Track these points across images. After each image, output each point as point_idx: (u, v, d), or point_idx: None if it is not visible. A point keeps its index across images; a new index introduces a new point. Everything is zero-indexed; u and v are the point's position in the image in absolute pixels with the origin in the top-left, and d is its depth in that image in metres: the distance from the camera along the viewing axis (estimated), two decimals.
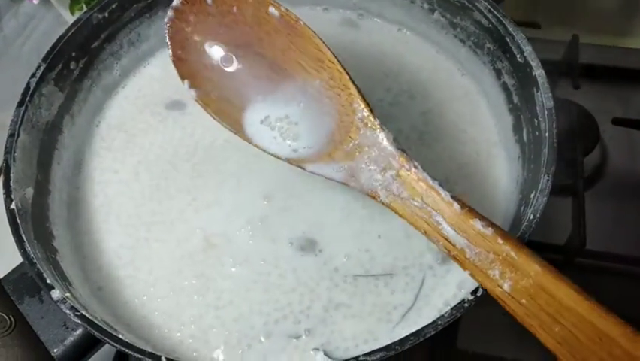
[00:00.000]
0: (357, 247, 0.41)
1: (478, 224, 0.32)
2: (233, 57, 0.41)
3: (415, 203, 0.34)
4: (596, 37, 0.68)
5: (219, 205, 0.44)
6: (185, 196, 0.45)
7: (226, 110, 0.41)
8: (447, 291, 0.40)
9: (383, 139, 0.35)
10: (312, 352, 0.38)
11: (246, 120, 0.41)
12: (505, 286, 0.31)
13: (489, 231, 0.31)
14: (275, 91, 0.40)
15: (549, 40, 0.70)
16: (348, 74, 0.38)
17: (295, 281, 0.41)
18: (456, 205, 0.32)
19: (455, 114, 0.48)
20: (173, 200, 0.45)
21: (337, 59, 0.38)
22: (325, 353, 0.38)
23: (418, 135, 0.47)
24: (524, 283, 0.30)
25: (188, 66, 0.41)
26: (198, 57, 0.41)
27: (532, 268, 0.30)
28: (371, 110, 0.36)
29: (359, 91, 0.37)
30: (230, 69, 0.41)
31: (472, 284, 0.35)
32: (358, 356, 0.31)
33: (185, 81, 0.40)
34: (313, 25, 0.53)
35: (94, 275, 0.42)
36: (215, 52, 0.41)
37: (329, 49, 0.38)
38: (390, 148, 0.35)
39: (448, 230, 0.32)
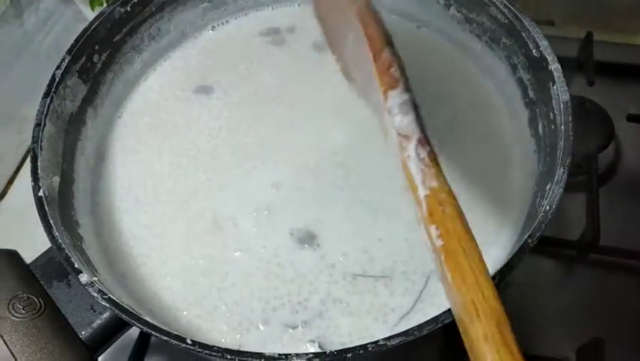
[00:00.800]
0: (355, 247, 0.42)
1: None
2: None
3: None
4: (610, 34, 0.68)
5: (230, 188, 0.46)
6: (200, 175, 0.46)
7: None
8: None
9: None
10: (307, 344, 0.39)
11: None
12: None
13: None
14: None
15: (563, 37, 0.70)
16: None
17: (293, 272, 0.42)
18: None
19: (475, 120, 0.48)
20: (188, 179, 0.46)
21: None
22: (320, 346, 0.38)
23: (437, 143, 0.47)
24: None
25: None
26: None
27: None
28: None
29: None
30: None
31: None
32: (378, 341, 0.31)
33: None
34: None
35: (117, 262, 0.43)
36: None
37: None
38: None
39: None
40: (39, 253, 0.57)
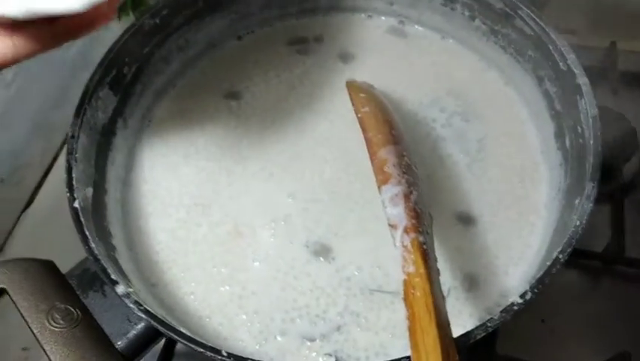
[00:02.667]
0: (370, 262, 0.43)
1: None
2: None
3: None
4: (633, 43, 0.68)
5: (249, 195, 0.46)
6: (223, 180, 0.47)
7: None
8: (472, 314, 0.40)
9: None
10: (325, 357, 0.39)
11: None
12: None
13: None
14: None
15: (587, 46, 0.70)
16: None
17: (310, 284, 0.42)
18: None
19: (503, 133, 0.48)
20: (211, 183, 0.47)
21: None
22: (337, 360, 0.39)
23: (469, 162, 0.47)
24: None
25: None
26: None
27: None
28: None
29: None
30: None
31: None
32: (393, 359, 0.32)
33: None
34: (361, 32, 0.55)
35: (146, 271, 0.44)
36: None
37: None
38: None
39: None
40: (66, 259, 0.59)
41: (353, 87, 0.46)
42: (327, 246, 0.43)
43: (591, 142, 0.39)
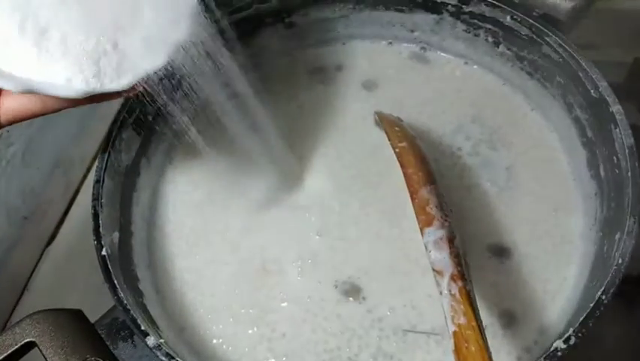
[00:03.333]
0: (403, 302, 0.42)
1: None
2: None
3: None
4: None
5: (276, 231, 0.46)
6: (250, 216, 0.46)
7: None
8: (510, 352, 0.39)
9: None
10: None
11: None
12: None
13: None
14: None
15: (610, 62, 0.69)
16: None
17: (341, 325, 0.41)
18: None
19: (533, 160, 0.47)
20: (238, 219, 0.46)
21: None
22: None
23: (497, 191, 0.46)
24: None
25: None
26: None
27: None
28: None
29: None
30: None
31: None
32: None
33: None
34: (382, 60, 0.54)
35: (175, 315, 0.43)
36: None
37: None
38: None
39: None
40: (90, 293, 0.59)
41: (385, 120, 0.45)
42: (357, 286, 0.42)
43: (629, 174, 0.38)
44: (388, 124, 0.44)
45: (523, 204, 0.45)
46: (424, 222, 0.35)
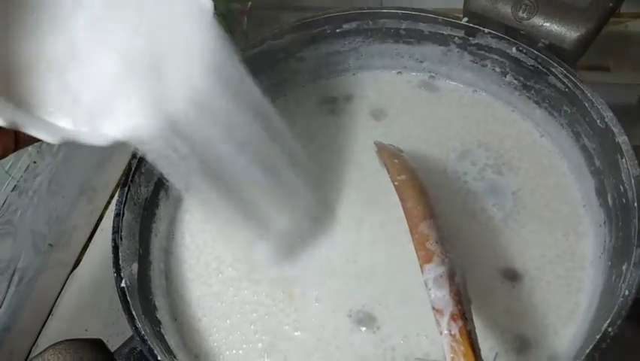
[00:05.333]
0: (415, 330, 0.42)
1: None
2: None
3: None
4: None
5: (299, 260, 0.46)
6: (267, 245, 0.46)
7: None
8: None
9: None
10: None
11: None
12: None
13: None
14: None
15: (621, 84, 0.69)
16: None
17: (353, 355, 0.42)
18: None
19: (541, 186, 0.48)
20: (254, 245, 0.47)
21: None
22: None
23: (504, 216, 0.47)
24: None
25: None
26: None
27: None
28: None
29: None
30: None
31: None
32: None
33: None
34: (391, 88, 0.55)
35: (190, 342, 0.44)
36: None
37: None
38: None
39: None
40: (110, 321, 0.61)
41: (385, 152, 0.46)
42: (371, 315, 0.43)
43: (635, 204, 0.38)
44: (387, 156, 0.45)
45: (532, 228, 0.46)
46: (424, 259, 0.35)
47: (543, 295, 0.43)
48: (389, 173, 0.43)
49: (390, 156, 0.45)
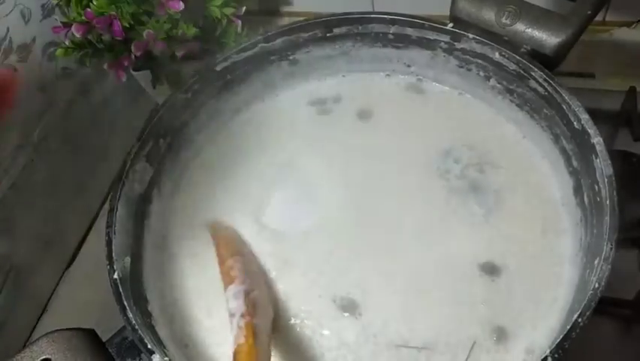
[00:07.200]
0: (396, 317, 0.43)
1: None
2: None
3: None
4: None
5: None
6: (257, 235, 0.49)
7: None
8: None
9: None
10: None
11: None
12: None
13: None
14: None
15: (606, 90, 0.71)
16: None
17: (338, 340, 0.43)
18: None
19: (523, 188, 0.49)
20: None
21: None
22: None
23: (485, 212, 0.48)
24: None
25: None
26: None
27: None
28: None
29: None
30: None
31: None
32: None
33: None
34: (379, 90, 0.57)
35: (179, 333, 0.46)
36: None
37: None
38: None
39: None
40: (105, 317, 0.62)
41: (217, 238, 0.49)
42: (354, 301, 0.44)
43: (607, 202, 0.40)
44: (218, 244, 0.48)
45: (513, 224, 0.47)
46: (228, 282, 0.42)
47: (522, 289, 0.44)
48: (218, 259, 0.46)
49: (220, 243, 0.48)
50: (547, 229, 0.47)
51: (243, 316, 0.39)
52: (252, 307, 0.40)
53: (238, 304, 0.40)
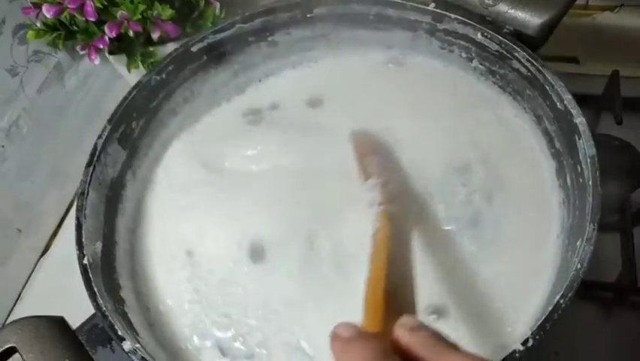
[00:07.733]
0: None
1: None
2: None
3: None
4: (636, 70, 0.68)
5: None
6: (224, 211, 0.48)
7: None
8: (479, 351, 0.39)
9: None
10: None
11: None
12: None
13: None
14: None
15: (589, 74, 0.70)
16: None
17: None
18: None
19: (513, 169, 0.48)
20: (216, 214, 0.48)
21: None
22: None
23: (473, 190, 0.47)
24: None
25: None
26: None
27: None
28: None
29: None
30: None
31: None
32: None
33: None
34: (359, 69, 0.55)
35: (154, 321, 0.44)
36: None
37: None
38: None
39: None
40: (81, 305, 0.60)
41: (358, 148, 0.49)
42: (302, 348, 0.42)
43: (590, 182, 0.39)
44: (360, 154, 0.48)
45: (503, 212, 0.46)
46: (365, 178, 0.45)
47: (507, 273, 0.43)
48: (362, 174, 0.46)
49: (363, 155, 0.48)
50: (535, 215, 0.45)
51: (379, 204, 0.42)
52: (387, 196, 0.42)
53: (374, 195, 0.43)
